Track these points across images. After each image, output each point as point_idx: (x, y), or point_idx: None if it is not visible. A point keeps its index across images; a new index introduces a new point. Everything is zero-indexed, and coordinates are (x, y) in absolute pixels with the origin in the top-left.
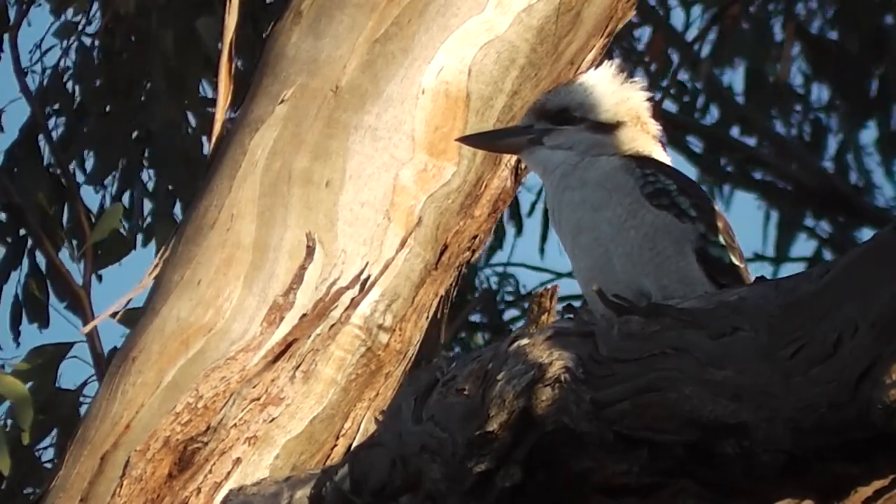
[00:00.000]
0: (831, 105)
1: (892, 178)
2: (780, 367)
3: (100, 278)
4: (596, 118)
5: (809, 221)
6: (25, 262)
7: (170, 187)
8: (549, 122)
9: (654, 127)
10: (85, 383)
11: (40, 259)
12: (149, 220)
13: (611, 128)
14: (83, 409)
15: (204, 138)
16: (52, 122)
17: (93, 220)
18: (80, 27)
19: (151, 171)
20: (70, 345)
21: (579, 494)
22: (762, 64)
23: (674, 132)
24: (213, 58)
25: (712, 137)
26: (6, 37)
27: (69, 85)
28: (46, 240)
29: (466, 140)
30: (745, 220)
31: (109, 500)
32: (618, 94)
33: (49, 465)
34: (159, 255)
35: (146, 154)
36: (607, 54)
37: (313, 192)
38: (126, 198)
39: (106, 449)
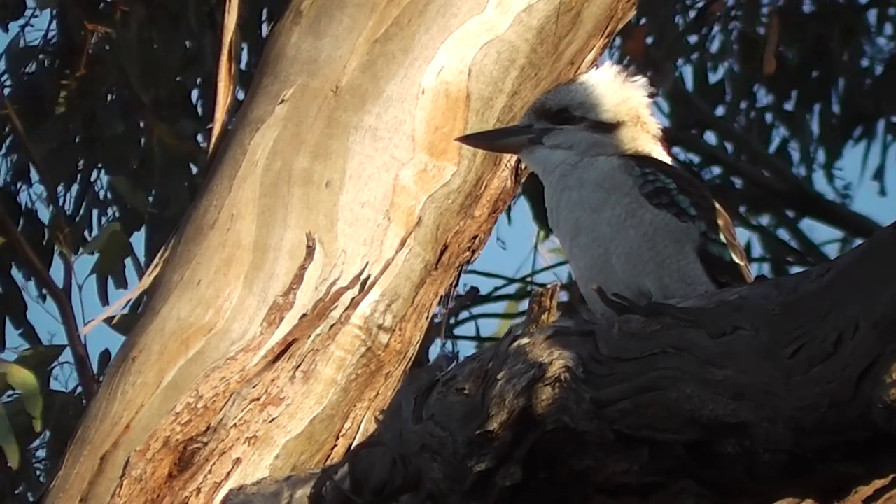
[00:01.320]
0: (775, 107)
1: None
2: (780, 367)
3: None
4: (596, 118)
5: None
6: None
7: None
8: (548, 122)
9: (655, 126)
10: (76, 387)
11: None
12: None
13: (611, 127)
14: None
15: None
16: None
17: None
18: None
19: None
20: (62, 347)
21: (580, 494)
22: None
23: None
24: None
25: (670, 135)
26: None
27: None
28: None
29: (466, 140)
30: None
31: (109, 500)
32: (618, 94)
33: (41, 467)
34: (159, 255)
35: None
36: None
37: (313, 192)
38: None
39: (106, 449)
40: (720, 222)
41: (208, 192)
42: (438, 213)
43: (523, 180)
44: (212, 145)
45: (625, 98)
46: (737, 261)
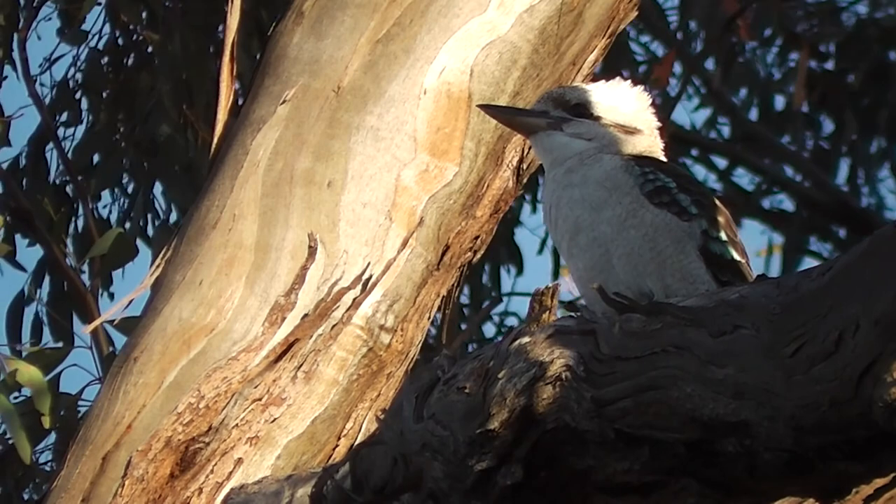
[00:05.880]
0: (839, 134)
1: None
2: (781, 365)
3: (110, 294)
4: (614, 120)
5: (816, 246)
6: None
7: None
8: (566, 113)
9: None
10: (85, 387)
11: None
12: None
13: (630, 131)
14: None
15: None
16: (60, 132)
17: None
18: (88, 39)
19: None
20: (69, 349)
21: (581, 493)
22: (769, 88)
23: (682, 148)
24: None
25: (724, 153)
26: (15, 41)
27: (78, 95)
28: (56, 248)
29: (486, 108)
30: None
31: (111, 500)
32: (637, 103)
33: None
34: (161, 255)
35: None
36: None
37: (315, 192)
38: (123, 200)
39: (108, 449)
40: (721, 219)
41: (210, 193)
42: (440, 214)
43: (524, 181)
44: (213, 146)
45: (643, 108)
46: (738, 258)
